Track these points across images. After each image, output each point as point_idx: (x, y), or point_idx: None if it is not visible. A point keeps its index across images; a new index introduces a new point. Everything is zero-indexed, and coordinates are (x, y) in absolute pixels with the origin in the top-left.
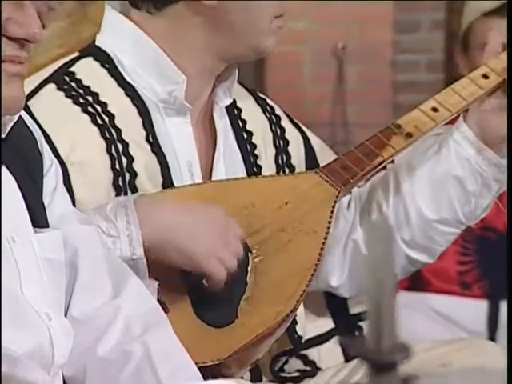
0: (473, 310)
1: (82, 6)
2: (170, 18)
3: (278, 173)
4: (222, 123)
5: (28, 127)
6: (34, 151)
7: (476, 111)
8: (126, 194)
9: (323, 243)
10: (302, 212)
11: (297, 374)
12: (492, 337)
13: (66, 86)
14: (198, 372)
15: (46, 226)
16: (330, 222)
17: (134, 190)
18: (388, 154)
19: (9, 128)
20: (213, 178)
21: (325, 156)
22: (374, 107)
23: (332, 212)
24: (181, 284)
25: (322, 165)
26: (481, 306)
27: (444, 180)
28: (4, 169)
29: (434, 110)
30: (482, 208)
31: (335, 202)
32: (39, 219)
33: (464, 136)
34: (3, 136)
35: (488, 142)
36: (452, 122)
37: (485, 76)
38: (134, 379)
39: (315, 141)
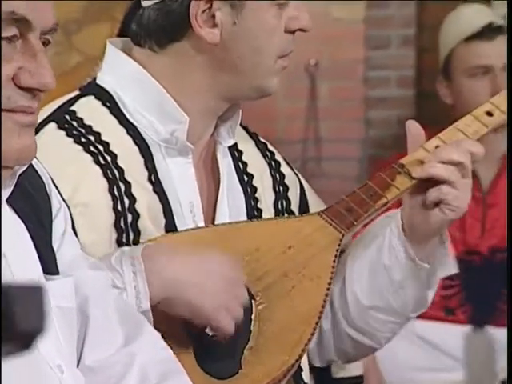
0: (457, 335)
1: (68, 35)
2: (173, 57)
3: (274, 218)
4: (226, 163)
5: (35, 169)
6: (43, 194)
7: (407, 205)
8: (128, 235)
9: (327, 289)
10: (306, 256)
11: None
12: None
13: (66, 125)
14: None
15: (56, 271)
16: (333, 267)
17: (137, 231)
18: (392, 195)
19: (18, 174)
20: (216, 219)
21: (312, 200)
22: (347, 123)
23: (336, 256)
24: (183, 334)
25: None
26: (465, 332)
27: (376, 268)
28: (13, 214)
29: (438, 148)
30: (413, 299)
31: (339, 245)
32: (49, 265)
33: (397, 225)
34: (13, 183)
35: (413, 237)
36: None
37: (489, 113)
38: None
39: (308, 188)
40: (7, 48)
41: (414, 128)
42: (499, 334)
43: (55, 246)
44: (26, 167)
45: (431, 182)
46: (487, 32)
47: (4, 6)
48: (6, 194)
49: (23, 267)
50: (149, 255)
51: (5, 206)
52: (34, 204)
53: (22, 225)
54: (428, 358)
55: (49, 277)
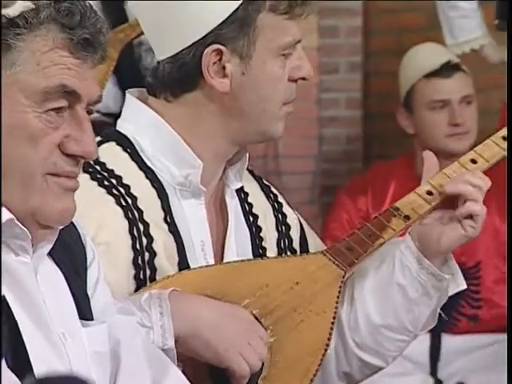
0: (416, 342)
1: None
2: (187, 106)
3: (279, 255)
4: (233, 204)
5: (72, 221)
6: (79, 245)
7: (418, 225)
8: (145, 272)
9: (332, 323)
10: (312, 292)
11: None
12: (434, 368)
13: (91, 169)
14: None
15: (91, 317)
16: (337, 302)
17: (153, 268)
18: (388, 236)
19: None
20: (225, 257)
21: (311, 239)
22: (302, 140)
23: (339, 292)
24: (203, 370)
25: (310, 248)
26: (424, 339)
27: (389, 287)
28: (53, 264)
29: (429, 193)
30: (425, 316)
31: (342, 282)
32: (85, 311)
33: (407, 246)
34: (54, 239)
35: (427, 254)
36: None
37: (473, 161)
38: None
39: (307, 227)
40: (56, 117)
41: (430, 158)
42: (454, 341)
43: (89, 293)
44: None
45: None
46: (445, 69)
47: (56, 80)
48: (47, 247)
49: (61, 312)
50: (175, 297)
51: (46, 257)
52: (71, 254)
53: (61, 274)
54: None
55: (85, 323)
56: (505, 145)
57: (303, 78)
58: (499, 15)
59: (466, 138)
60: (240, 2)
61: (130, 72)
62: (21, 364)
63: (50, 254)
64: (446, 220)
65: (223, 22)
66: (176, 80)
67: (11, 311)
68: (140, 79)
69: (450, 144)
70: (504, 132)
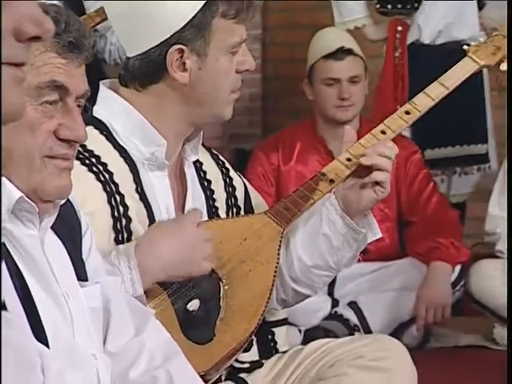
0: None
1: None
2: (153, 95)
3: (227, 211)
4: (190, 173)
5: (68, 198)
6: (74, 218)
7: (341, 189)
8: (123, 235)
9: (275, 271)
10: (257, 246)
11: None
12: (331, 290)
13: None
14: None
15: (86, 279)
16: (278, 254)
17: (129, 232)
18: (317, 197)
19: (59, 205)
20: None
21: (253, 195)
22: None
23: (279, 245)
24: (172, 314)
25: (253, 204)
26: None
27: (317, 236)
28: (55, 236)
29: (348, 160)
30: (346, 258)
31: (281, 237)
32: (81, 273)
33: (332, 204)
34: (56, 212)
35: (349, 212)
36: None
37: (383, 132)
38: None
39: (250, 187)
40: (50, 108)
41: (350, 134)
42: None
43: (84, 258)
44: (65, 200)
45: (366, 170)
46: (340, 53)
47: (47, 77)
48: (51, 221)
49: (64, 276)
50: (139, 248)
51: (49, 230)
52: (68, 227)
53: (61, 243)
54: None
55: (82, 283)
56: (407, 117)
57: (247, 70)
58: (379, 1)
59: (351, 109)
60: (198, 9)
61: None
62: (33, 320)
63: (52, 227)
64: (360, 185)
65: (184, 26)
66: (144, 73)
67: (23, 277)
68: (94, 59)
69: (337, 113)
70: (407, 107)
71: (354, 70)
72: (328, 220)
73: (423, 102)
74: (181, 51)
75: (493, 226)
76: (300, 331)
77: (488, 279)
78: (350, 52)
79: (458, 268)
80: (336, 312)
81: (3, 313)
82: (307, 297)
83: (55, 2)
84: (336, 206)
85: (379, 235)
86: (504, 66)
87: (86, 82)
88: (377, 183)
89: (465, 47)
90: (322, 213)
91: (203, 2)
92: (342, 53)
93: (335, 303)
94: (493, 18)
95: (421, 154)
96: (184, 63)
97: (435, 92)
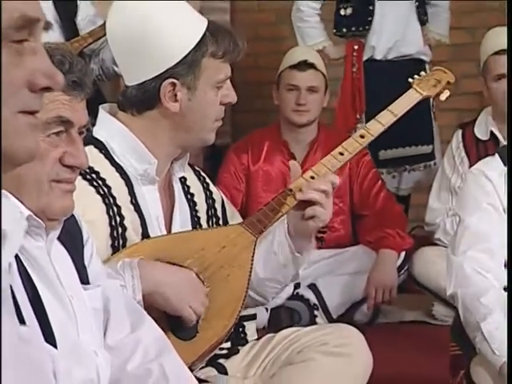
0: None
1: None
2: (147, 120)
3: (208, 220)
4: (177, 187)
5: None
6: (76, 229)
7: (291, 216)
8: (118, 242)
9: (249, 275)
10: (234, 253)
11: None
12: None
13: None
14: (196, 380)
15: (88, 282)
16: (252, 260)
17: (124, 239)
18: (285, 210)
19: (63, 221)
20: (172, 227)
21: (228, 207)
22: None
23: (253, 252)
24: (163, 316)
25: (228, 214)
26: None
27: (269, 253)
28: (60, 245)
29: (312, 177)
30: (291, 274)
31: (255, 245)
32: (84, 278)
33: (283, 226)
34: (60, 227)
35: (294, 235)
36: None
37: (341, 153)
38: None
39: (226, 201)
40: (56, 139)
41: (294, 167)
42: None
43: (86, 263)
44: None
45: (307, 202)
46: (302, 65)
47: (54, 113)
48: (56, 234)
49: (68, 281)
50: (142, 264)
51: (55, 240)
52: (71, 236)
53: (66, 252)
54: None
55: (85, 287)
56: (362, 141)
57: (230, 103)
58: (335, 26)
59: (306, 115)
60: (190, 49)
61: None
62: (43, 323)
63: (58, 238)
64: (301, 216)
65: (177, 62)
66: (140, 101)
67: (34, 284)
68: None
69: (294, 116)
70: (361, 132)
71: (313, 81)
72: (278, 240)
73: (375, 127)
74: (173, 84)
75: (432, 218)
76: (267, 310)
77: (429, 264)
78: (311, 66)
79: (402, 254)
80: (298, 293)
81: (21, 328)
82: (262, 304)
83: (60, 42)
84: (285, 229)
85: (308, 260)
86: (443, 97)
87: (87, 114)
88: (312, 216)
89: (410, 80)
90: (275, 233)
91: (195, 43)
92: (304, 65)
93: (297, 285)
94: (435, 31)
95: (375, 154)
96: (176, 95)
97: (385, 119)
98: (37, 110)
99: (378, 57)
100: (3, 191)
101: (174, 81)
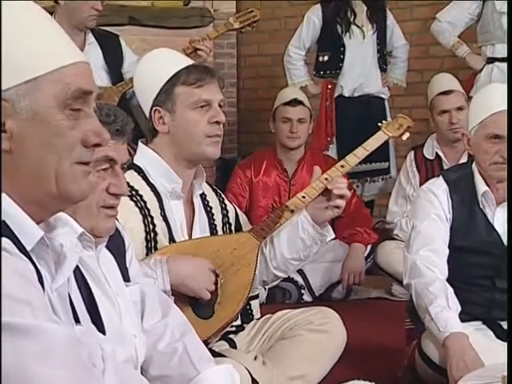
0: None
1: None
2: (158, 146)
3: (223, 228)
4: (197, 202)
5: None
6: (119, 237)
7: (310, 207)
8: (151, 244)
9: (254, 271)
10: (243, 253)
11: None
12: None
13: None
14: (211, 356)
15: (129, 280)
16: (256, 259)
17: (156, 242)
18: (283, 221)
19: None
20: (193, 234)
21: (241, 216)
22: None
23: (258, 254)
24: (186, 299)
25: (242, 222)
26: None
27: (295, 238)
28: (107, 251)
29: (303, 197)
30: (312, 252)
31: (259, 248)
32: (126, 277)
33: (305, 216)
34: (107, 239)
35: (315, 222)
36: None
37: (326, 179)
38: (179, 364)
39: (239, 212)
40: (103, 174)
41: (316, 171)
42: None
43: (128, 265)
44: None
45: (329, 195)
46: (293, 102)
47: (102, 153)
48: (103, 245)
49: (114, 280)
50: (169, 261)
51: (104, 249)
52: (116, 244)
53: (112, 257)
54: None
55: (127, 284)
56: (342, 169)
57: (218, 122)
58: (315, 69)
59: (297, 140)
60: (166, 81)
61: (123, 107)
62: (94, 316)
63: (106, 246)
64: (326, 207)
65: (158, 93)
66: (149, 130)
67: (88, 285)
68: (127, 111)
69: (287, 142)
70: (342, 163)
71: (301, 114)
72: (303, 228)
73: (352, 159)
74: (158, 111)
75: (391, 218)
76: (265, 289)
77: (389, 254)
78: (300, 102)
79: (369, 247)
80: (289, 276)
81: (77, 328)
82: (281, 278)
83: (109, 103)
84: (308, 218)
85: (333, 235)
86: (405, 137)
87: (128, 153)
88: (336, 206)
89: (379, 124)
90: (298, 223)
91: (169, 77)
92: (295, 102)
93: None
94: (394, 77)
95: None
96: (162, 118)
97: (360, 153)
98: (89, 161)
99: (347, 94)
100: (65, 215)
101: (158, 108)
